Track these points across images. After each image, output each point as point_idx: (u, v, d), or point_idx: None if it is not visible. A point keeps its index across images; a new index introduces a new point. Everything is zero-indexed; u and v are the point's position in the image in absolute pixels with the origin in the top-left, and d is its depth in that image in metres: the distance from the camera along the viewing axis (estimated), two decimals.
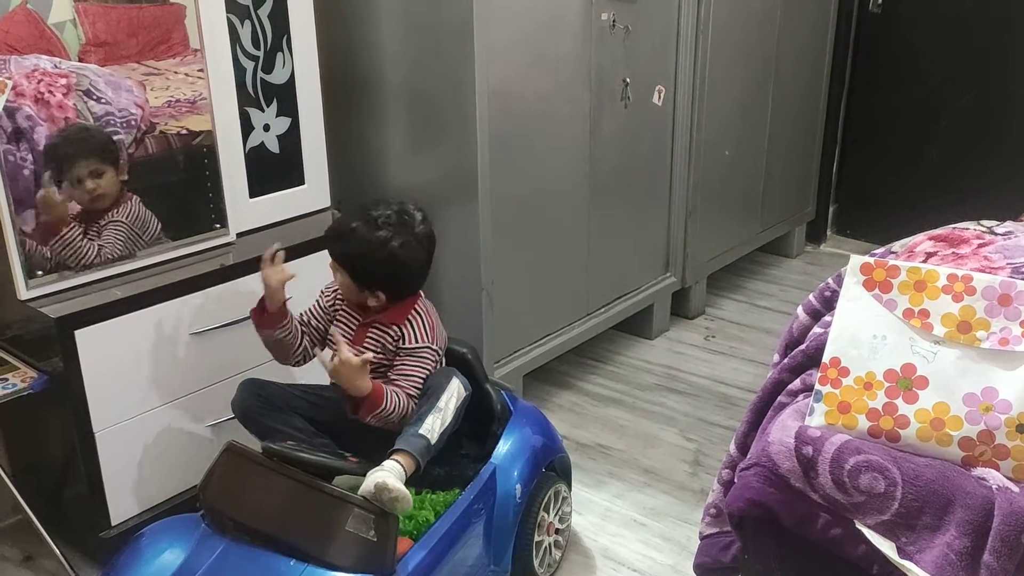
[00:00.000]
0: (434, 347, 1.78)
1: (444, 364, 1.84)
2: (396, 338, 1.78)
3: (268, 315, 1.79)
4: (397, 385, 1.72)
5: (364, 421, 1.69)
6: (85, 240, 1.81)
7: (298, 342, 1.82)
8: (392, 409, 1.68)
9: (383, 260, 1.72)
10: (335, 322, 1.84)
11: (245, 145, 2.06)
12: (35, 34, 1.71)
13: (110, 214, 1.85)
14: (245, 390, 1.81)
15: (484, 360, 2.05)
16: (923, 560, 1.17)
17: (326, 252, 1.81)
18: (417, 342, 1.77)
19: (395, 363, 1.77)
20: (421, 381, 1.74)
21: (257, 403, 1.79)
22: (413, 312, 1.79)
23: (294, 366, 1.87)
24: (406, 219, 1.75)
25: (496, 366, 2.42)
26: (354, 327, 1.81)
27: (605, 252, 2.73)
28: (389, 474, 1.52)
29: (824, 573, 1.29)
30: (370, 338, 1.79)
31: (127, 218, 1.87)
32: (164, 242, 1.95)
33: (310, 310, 1.87)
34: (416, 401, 1.71)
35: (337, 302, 1.85)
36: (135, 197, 1.88)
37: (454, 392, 1.71)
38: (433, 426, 1.65)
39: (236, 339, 1.98)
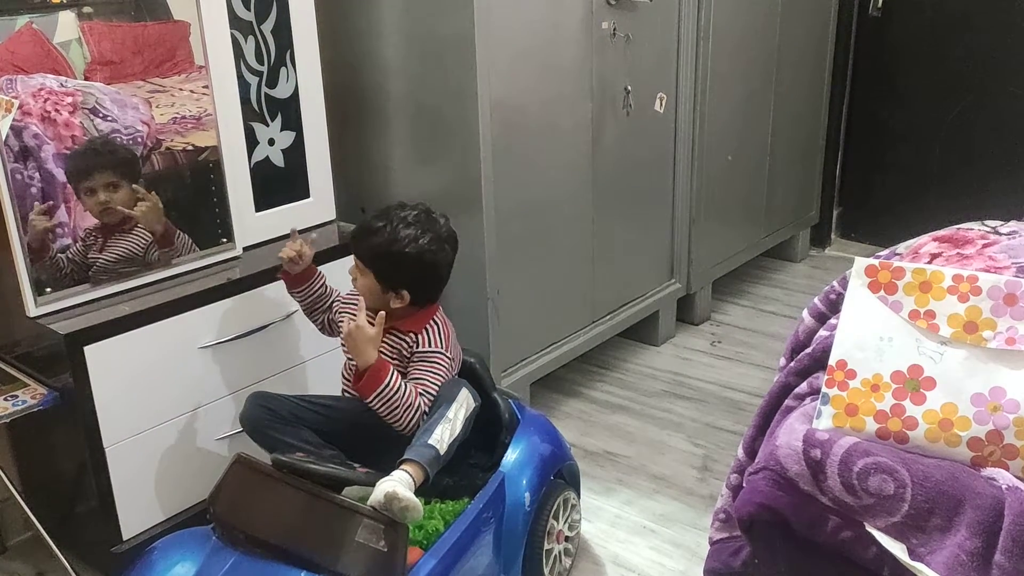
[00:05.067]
0: (448, 355, 1.79)
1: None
2: (411, 345, 1.79)
3: (290, 278, 1.89)
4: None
5: (366, 401, 1.68)
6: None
7: (327, 299, 1.93)
8: (395, 390, 1.67)
9: (412, 256, 1.75)
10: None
11: (250, 160, 2.07)
12: (41, 53, 1.73)
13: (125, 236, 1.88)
14: (253, 403, 1.81)
15: (491, 369, 2.06)
16: (934, 562, 1.17)
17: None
18: (430, 346, 1.78)
19: (408, 369, 1.78)
20: (431, 384, 1.74)
21: (265, 416, 1.80)
22: (431, 322, 1.81)
23: (320, 330, 1.96)
24: (433, 217, 1.80)
25: (503, 375, 2.42)
26: None
27: (609, 259, 2.73)
28: (398, 484, 1.53)
29: None
30: (386, 343, 1.79)
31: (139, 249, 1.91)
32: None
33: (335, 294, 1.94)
34: (425, 399, 1.71)
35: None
36: None
37: (463, 403, 1.71)
38: (442, 436, 1.65)
39: (244, 352, 1.99)
